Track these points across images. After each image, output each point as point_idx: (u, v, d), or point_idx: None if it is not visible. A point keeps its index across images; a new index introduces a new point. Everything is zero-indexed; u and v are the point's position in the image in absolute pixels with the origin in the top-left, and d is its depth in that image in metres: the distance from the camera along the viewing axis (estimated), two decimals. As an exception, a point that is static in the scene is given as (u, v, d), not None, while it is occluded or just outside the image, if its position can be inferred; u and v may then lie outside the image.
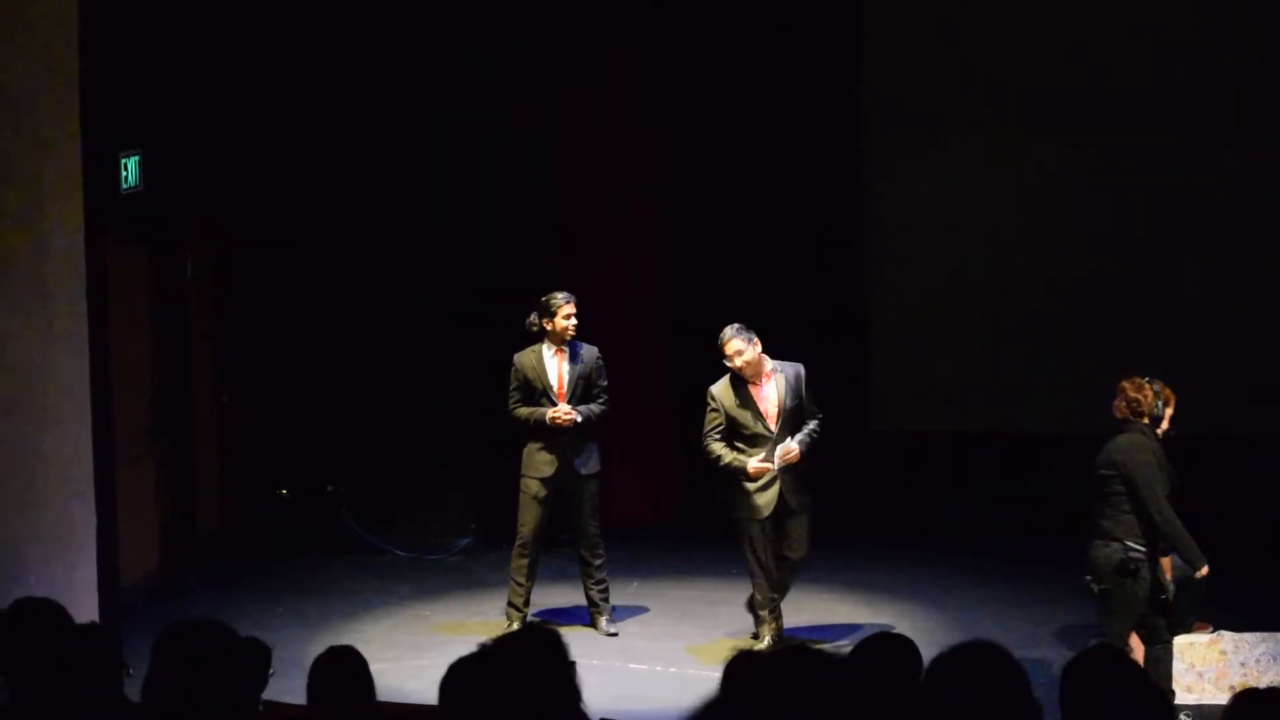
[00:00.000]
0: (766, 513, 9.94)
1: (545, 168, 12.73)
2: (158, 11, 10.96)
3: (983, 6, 12.87)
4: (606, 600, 10.55)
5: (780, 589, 10.14)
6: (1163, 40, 12.53)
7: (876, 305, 13.11)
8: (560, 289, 10.39)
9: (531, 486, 10.37)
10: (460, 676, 4.43)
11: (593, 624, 10.48)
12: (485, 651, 4.43)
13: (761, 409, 9.90)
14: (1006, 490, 12.43)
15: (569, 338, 10.26)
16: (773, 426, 9.88)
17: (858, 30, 12.93)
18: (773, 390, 9.92)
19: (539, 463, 10.34)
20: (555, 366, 10.31)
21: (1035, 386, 12.75)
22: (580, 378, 10.30)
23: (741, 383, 9.93)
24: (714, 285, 12.55)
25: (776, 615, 10.12)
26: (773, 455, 9.83)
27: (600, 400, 10.37)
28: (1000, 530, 12.24)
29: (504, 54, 12.52)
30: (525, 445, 10.41)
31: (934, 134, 12.89)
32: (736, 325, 9.90)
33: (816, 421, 9.97)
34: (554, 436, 10.28)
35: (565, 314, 10.23)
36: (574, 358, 10.32)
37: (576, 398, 10.29)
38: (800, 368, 9.99)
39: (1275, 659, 9.07)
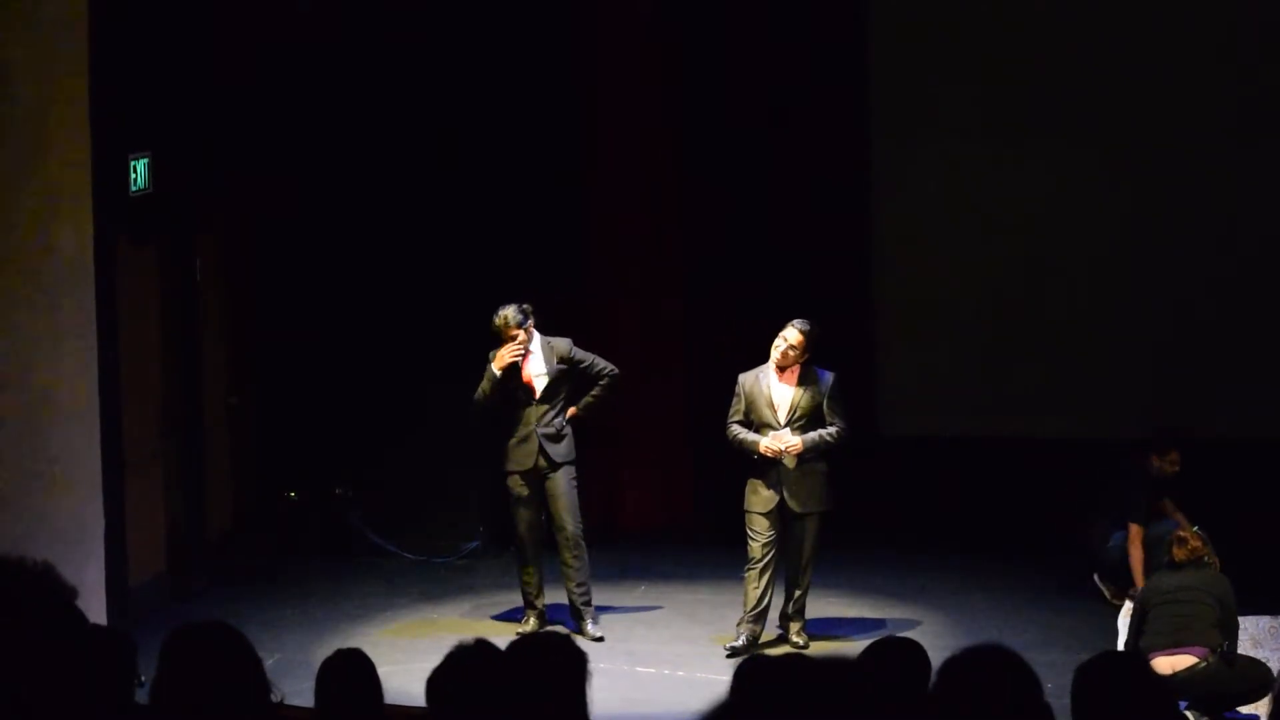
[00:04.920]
0: (760, 509, 10.00)
1: (560, 170, 12.72)
2: (167, 13, 10.97)
3: (988, 11, 12.85)
4: (589, 604, 10.46)
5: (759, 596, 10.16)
6: (1171, 42, 12.51)
7: (886, 311, 13.09)
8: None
9: (515, 485, 10.37)
10: (456, 675, 4.42)
11: (579, 630, 10.27)
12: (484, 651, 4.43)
13: (774, 400, 9.94)
14: (1016, 494, 12.40)
15: (506, 339, 10.24)
16: (780, 418, 9.93)
17: (865, 35, 12.92)
18: (790, 386, 9.95)
19: (518, 456, 10.33)
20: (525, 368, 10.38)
21: (1045, 391, 12.73)
22: (553, 373, 10.31)
23: (769, 373, 10.02)
24: (727, 291, 12.55)
25: (756, 616, 10.12)
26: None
27: (605, 376, 10.38)
28: (1010, 534, 12.21)
29: (520, 53, 12.53)
30: (502, 441, 10.44)
31: (942, 140, 12.87)
32: (811, 322, 10.01)
33: (836, 428, 9.98)
34: (527, 429, 10.29)
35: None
36: (538, 354, 10.33)
37: (549, 393, 10.30)
38: (831, 375, 10.02)
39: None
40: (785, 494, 9.98)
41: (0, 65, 8.61)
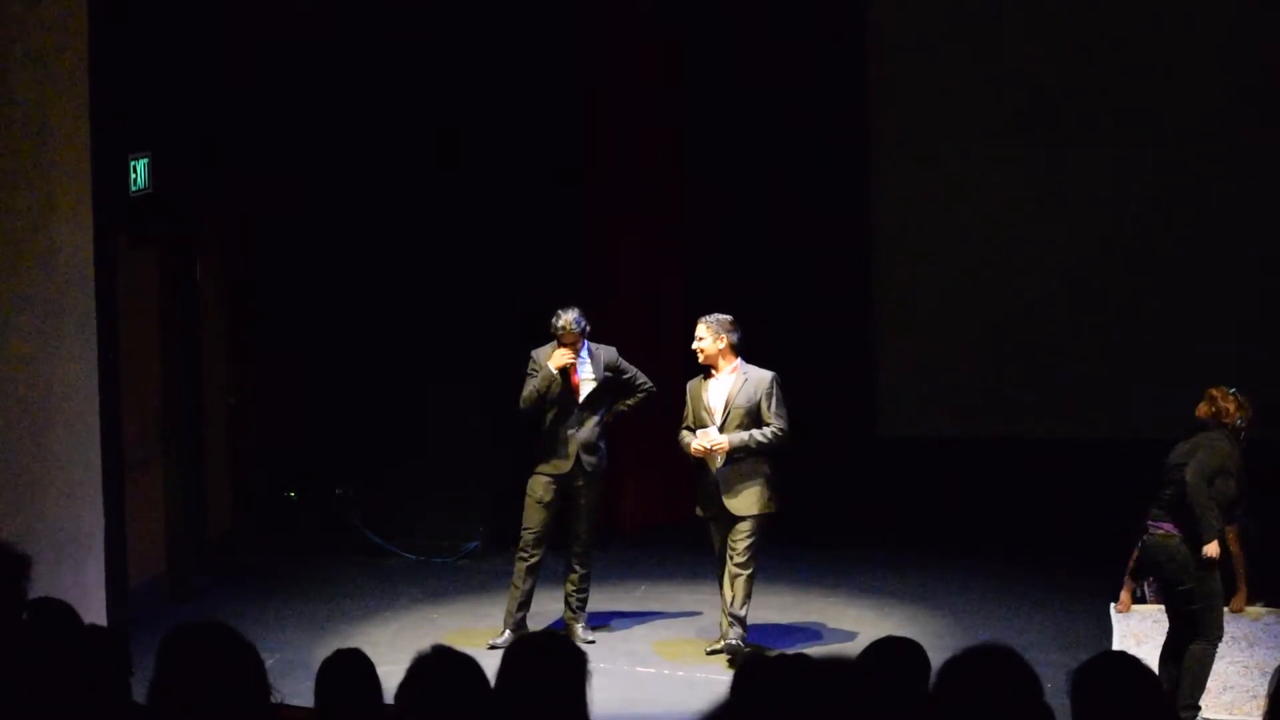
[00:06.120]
0: (704, 512, 9.98)
1: (562, 168, 12.74)
2: (167, 13, 10.97)
3: (989, 11, 12.86)
4: (584, 608, 10.45)
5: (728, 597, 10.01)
6: (1171, 42, 12.52)
7: (887, 311, 13.10)
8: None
9: (541, 486, 10.31)
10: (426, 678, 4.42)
11: (568, 632, 10.18)
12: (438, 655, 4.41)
13: (709, 403, 9.94)
14: (1016, 494, 12.41)
15: (565, 343, 10.22)
16: (715, 420, 9.89)
17: (865, 35, 12.94)
18: (725, 386, 9.93)
19: (554, 459, 10.29)
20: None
21: (1044, 391, 12.75)
22: (598, 380, 10.28)
23: (707, 375, 10.01)
24: (727, 291, 12.55)
25: (731, 623, 9.96)
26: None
27: (643, 390, 10.40)
28: (1009, 534, 12.23)
29: (520, 53, 12.53)
30: (538, 441, 10.38)
31: (942, 141, 12.90)
32: (717, 315, 9.95)
33: (772, 429, 9.85)
34: (568, 432, 10.25)
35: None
36: (586, 360, 10.31)
37: (592, 400, 10.29)
38: (769, 375, 9.96)
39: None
40: (725, 496, 9.90)
41: (0, 65, 8.61)
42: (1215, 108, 12.47)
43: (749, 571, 9.83)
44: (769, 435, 9.84)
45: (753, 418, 9.87)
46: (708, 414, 9.93)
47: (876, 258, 13.10)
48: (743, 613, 9.85)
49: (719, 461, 9.84)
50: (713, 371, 9.98)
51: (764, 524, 9.90)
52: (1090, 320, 12.72)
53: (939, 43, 12.89)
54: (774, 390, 9.89)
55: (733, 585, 9.85)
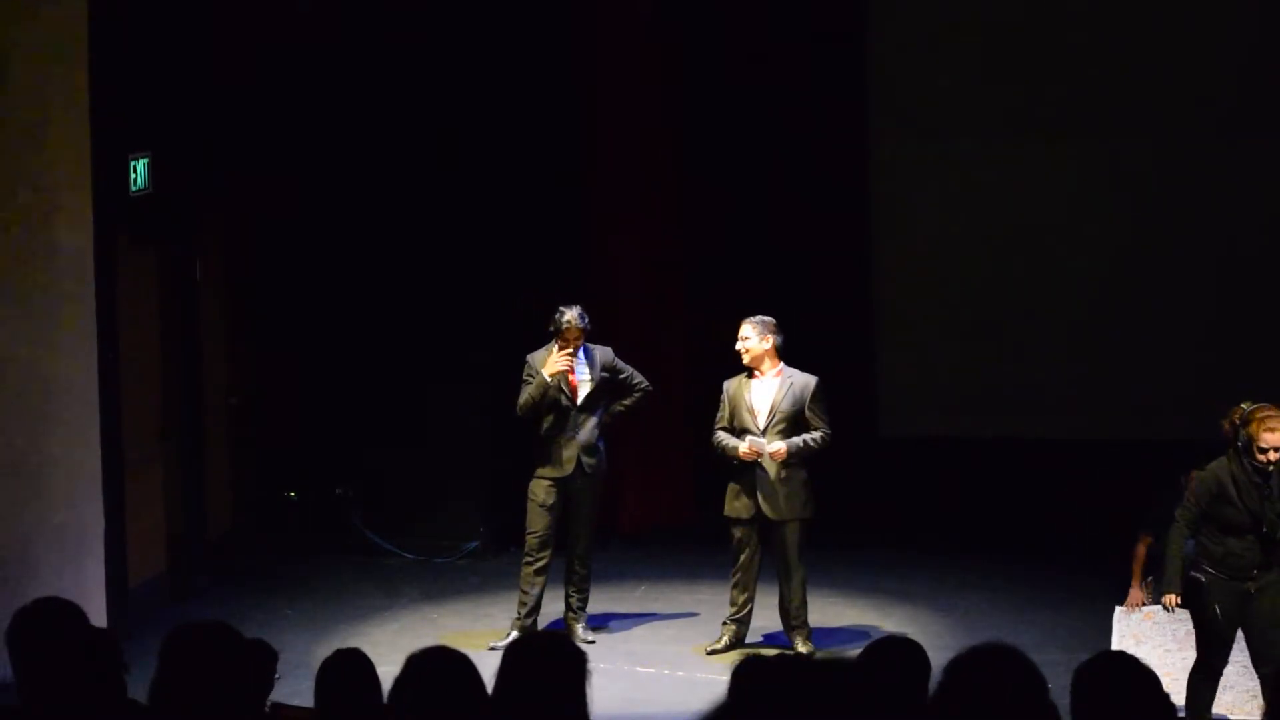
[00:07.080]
0: (737, 515, 9.95)
1: (562, 168, 12.74)
2: (167, 13, 10.97)
3: (989, 11, 12.87)
4: (584, 608, 10.44)
5: (745, 600, 10.07)
6: (1171, 42, 12.52)
7: (887, 311, 13.10)
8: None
9: (543, 490, 10.29)
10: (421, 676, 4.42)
11: (568, 632, 10.17)
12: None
13: (753, 405, 9.91)
14: (1016, 494, 12.41)
15: (565, 341, 10.19)
16: (759, 422, 9.87)
17: (865, 35, 12.94)
18: (769, 389, 9.92)
19: (556, 462, 10.26)
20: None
21: (1044, 391, 12.74)
22: (596, 380, 10.25)
23: (749, 377, 9.96)
24: (727, 291, 12.57)
25: (736, 620, 10.05)
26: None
27: (639, 390, 10.37)
28: (1010, 535, 12.22)
29: (520, 53, 12.54)
30: (538, 444, 10.36)
31: (942, 140, 12.89)
32: (762, 316, 9.94)
33: (820, 433, 9.90)
34: (567, 435, 10.23)
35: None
36: (583, 360, 10.28)
37: (590, 400, 10.26)
38: (814, 380, 9.96)
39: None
40: (762, 500, 9.89)
41: (0, 65, 8.61)
42: (1215, 108, 12.47)
43: (802, 575, 9.96)
44: (817, 440, 9.84)
45: (795, 422, 9.85)
46: (750, 415, 9.89)
47: (876, 258, 13.10)
48: (806, 615, 10.04)
49: (774, 468, 9.81)
50: (755, 373, 9.95)
51: (808, 527, 9.95)
52: (1090, 320, 12.72)
53: (939, 43, 12.89)
54: (819, 394, 9.89)
55: (792, 592, 9.96)
